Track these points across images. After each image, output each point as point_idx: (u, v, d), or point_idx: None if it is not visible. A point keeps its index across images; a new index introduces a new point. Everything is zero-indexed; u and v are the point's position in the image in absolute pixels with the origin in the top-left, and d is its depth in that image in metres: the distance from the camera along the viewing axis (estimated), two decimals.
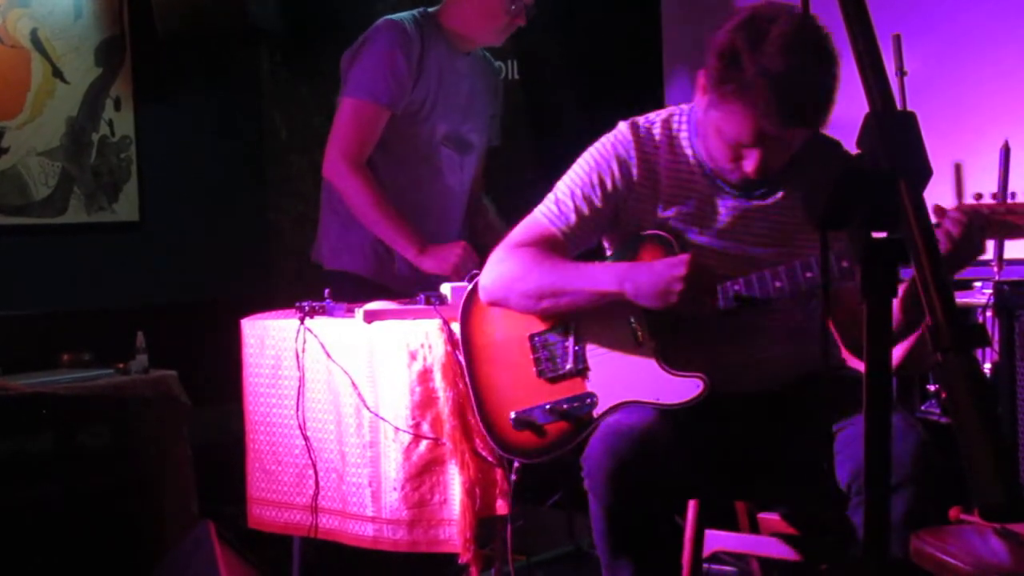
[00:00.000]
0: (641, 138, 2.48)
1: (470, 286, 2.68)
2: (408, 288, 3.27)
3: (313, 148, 4.84)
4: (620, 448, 2.27)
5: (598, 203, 2.49)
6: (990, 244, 3.04)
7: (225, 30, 4.42)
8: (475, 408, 2.64)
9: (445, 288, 2.93)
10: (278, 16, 4.47)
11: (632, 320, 2.47)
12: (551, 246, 2.50)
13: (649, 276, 2.32)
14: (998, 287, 2.74)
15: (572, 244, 2.52)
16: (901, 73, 3.17)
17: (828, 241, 1.22)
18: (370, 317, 2.89)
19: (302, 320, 2.98)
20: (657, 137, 2.48)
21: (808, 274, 2.28)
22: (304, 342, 2.98)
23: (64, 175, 4.41)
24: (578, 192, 2.50)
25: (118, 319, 4.26)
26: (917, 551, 1.99)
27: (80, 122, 4.45)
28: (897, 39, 3.18)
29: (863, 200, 1.04)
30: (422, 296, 2.92)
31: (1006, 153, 3.05)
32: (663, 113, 2.53)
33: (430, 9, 3.48)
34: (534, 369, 2.57)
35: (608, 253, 2.61)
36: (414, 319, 2.86)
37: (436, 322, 2.79)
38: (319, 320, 2.99)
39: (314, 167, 4.70)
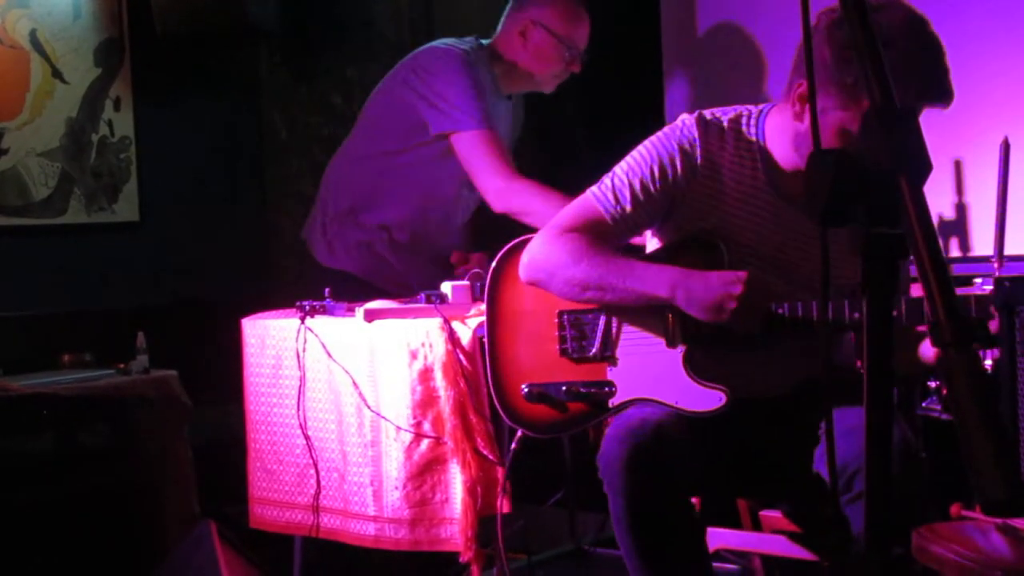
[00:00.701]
0: (708, 132, 2.41)
1: (507, 247, 2.66)
2: (402, 288, 3.28)
3: (312, 148, 4.85)
4: (634, 438, 2.27)
5: (656, 194, 2.42)
6: (990, 239, 3.04)
7: (224, 30, 4.41)
8: (488, 373, 2.61)
9: (446, 287, 2.94)
10: (277, 17, 4.46)
11: (668, 320, 2.45)
12: (600, 234, 2.44)
13: (704, 289, 2.29)
14: (999, 283, 2.73)
15: (622, 233, 2.48)
16: None
17: (828, 240, 1.21)
18: (371, 316, 2.89)
19: (303, 319, 2.98)
20: (724, 132, 2.42)
21: (856, 315, 2.25)
22: (305, 341, 2.98)
23: (64, 176, 4.41)
24: (636, 180, 2.43)
25: (118, 319, 4.26)
26: (919, 548, 1.99)
27: (79, 123, 4.45)
28: None
29: (863, 196, 1.03)
30: (423, 295, 2.92)
31: (1005, 150, 3.04)
32: (730, 111, 2.46)
33: (484, 41, 3.45)
34: (557, 347, 2.55)
35: (657, 245, 2.57)
36: (415, 318, 2.86)
37: (437, 321, 2.79)
38: (320, 319, 2.99)
39: (313, 167, 4.71)
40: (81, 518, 3.67)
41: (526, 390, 2.54)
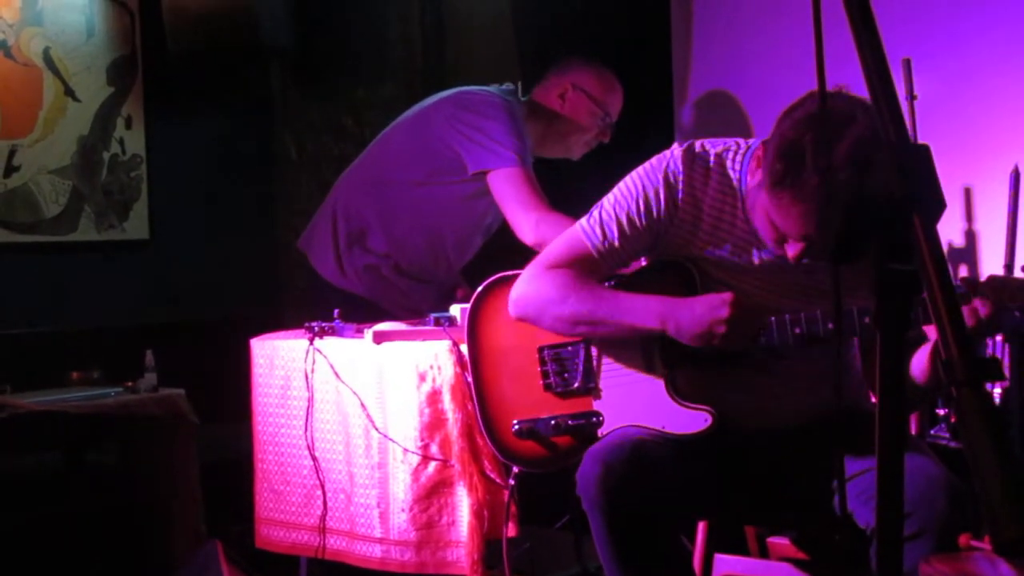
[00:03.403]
0: (693, 166, 2.39)
1: (481, 287, 2.67)
2: (410, 311, 3.28)
3: (322, 168, 4.86)
4: (609, 456, 2.27)
5: (641, 227, 2.42)
6: (1000, 267, 3.04)
7: (237, 50, 4.43)
8: (478, 412, 2.62)
9: (455, 310, 2.94)
10: (290, 37, 4.48)
11: (647, 345, 2.46)
12: (587, 266, 2.45)
13: (691, 317, 2.29)
14: (1008, 312, 2.73)
15: (609, 266, 2.48)
16: (911, 98, 3.18)
17: (841, 277, 1.21)
18: (379, 338, 2.90)
19: (312, 340, 2.98)
20: (709, 169, 2.40)
21: (830, 325, 2.25)
22: (313, 362, 2.98)
23: (75, 193, 4.43)
24: (623, 214, 2.43)
25: (127, 337, 4.27)
26: None
27: (91, 140, 4.47)
28: (907, 64, 3.18)
29: (876, 233, 1.03)
30: (432, 317, 2.92)
31: (1015, 178, 3.05)
32: (719, 145, 2.43)
33: (523, 98, 3.49)
34: (540, 382, 2.57)
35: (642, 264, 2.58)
36: (423, 340, 2.86)
37: (445, 343, 2.80)
38: (328, 340, 2.99)
39: (322, 187, 4.70)
40: (88, 536, 3.67)
41: (516, 426, 2.55)
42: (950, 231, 3.35)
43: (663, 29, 4.09)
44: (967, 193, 3.34)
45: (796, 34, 3.54)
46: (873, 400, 2.51)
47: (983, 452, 0.94)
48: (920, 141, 1.16)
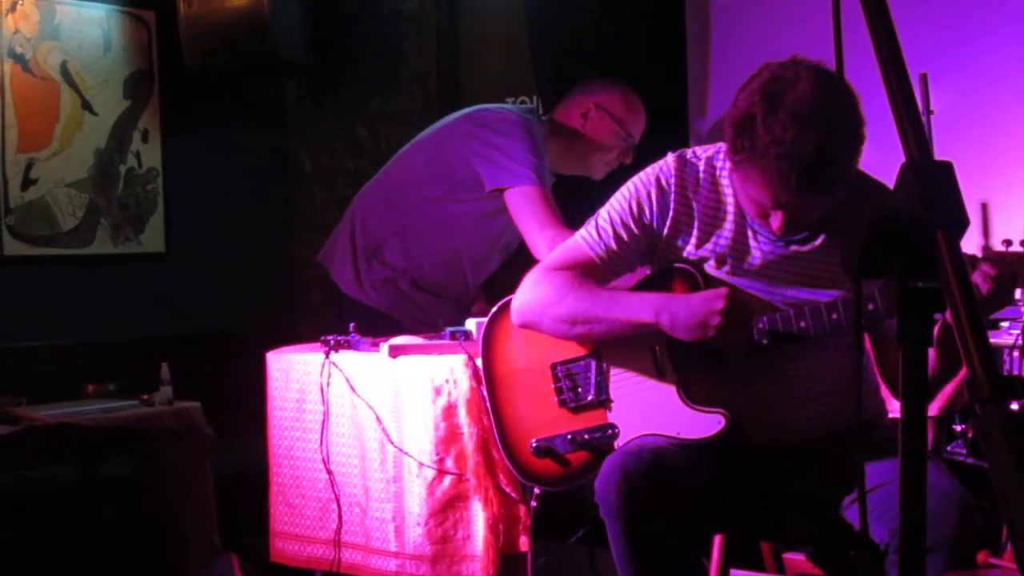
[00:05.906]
0: (684, 171, 2.45)
1: (494, 309, 2.67)
2: (426, 325, 3.29)
3: (336, 180, 4.87)
4: (629, 465, 2.27)
5: (636, 231, 2.47)
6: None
7: (252, 63, 4.46)
8: (496, 434, 2.63)
9: (470, 324, 2.94)
10: (305, 50, 4.50)
11: (656, 352, 2.46)
12: (587, 271, 2.48)
13: (686, 309, 2.31)
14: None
15: (609, 271, 2.50)
16: (928, 112, 3.17)
17: (862, 290, 1.21)
18: (395, 352, 2.90)
19: (327, 354, 2.99)
20: (700, 173, 2.45)
21: (834, 315, 2.26)
22: (329, 376, 2.98)
23: (91, 206, 4.45)
24: (617, 219, 2.47)
25: (143, 350, 4.28)
26: None
27: (108, 154, 4.49)
28: (924, 78, 3.18)
29: (899, 249, 1.03)
30: (447, 331, 2.93)
31: None
32: (710, 149, 2.49)
33: (543, 117, 3.50)
34: (555, 399, 2.57)
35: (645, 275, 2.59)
36: (439, 354, 2.87)
37: (461, 357, 2.80)
38: (344, 354, 3.00)
39: (337, 199, 4.73)
40: (102, 549, 3.68)
41: (535, 445, 2.55)
42: (966, 246, 3.34)
43: (679, 46, 4.09)
44: (984, 208, 3.33)
45: (818, 50, 3.53)
46: (887, 409, 2.50)
47: (1006, 470, 0.94)
48: (939, 157, 1.16)
